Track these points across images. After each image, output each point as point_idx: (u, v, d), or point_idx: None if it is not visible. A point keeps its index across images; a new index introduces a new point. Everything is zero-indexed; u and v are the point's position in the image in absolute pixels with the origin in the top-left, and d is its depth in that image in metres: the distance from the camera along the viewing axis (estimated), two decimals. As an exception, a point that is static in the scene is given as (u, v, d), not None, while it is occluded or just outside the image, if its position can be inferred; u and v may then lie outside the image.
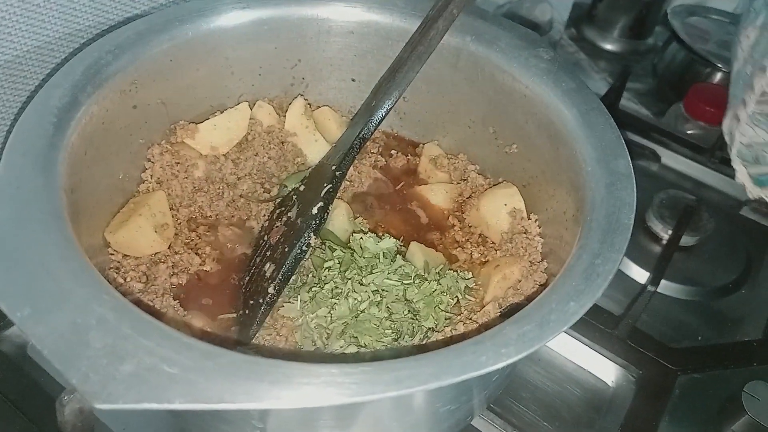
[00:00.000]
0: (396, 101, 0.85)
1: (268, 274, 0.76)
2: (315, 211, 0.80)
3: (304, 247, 0.78)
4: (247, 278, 0.80)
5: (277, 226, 0.82)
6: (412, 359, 0.50)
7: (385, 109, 0.85)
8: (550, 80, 0.81)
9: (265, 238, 0.82)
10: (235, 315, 0.77)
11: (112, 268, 0.77)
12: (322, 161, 0.89)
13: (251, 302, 0.76)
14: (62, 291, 0.50)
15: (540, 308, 0.56)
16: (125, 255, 0.79)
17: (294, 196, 0.85)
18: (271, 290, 0.75)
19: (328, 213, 0.82)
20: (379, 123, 0.86)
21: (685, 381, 0.91)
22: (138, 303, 0.72)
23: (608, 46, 1.69)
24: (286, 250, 0.77)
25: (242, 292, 0.79)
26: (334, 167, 0.84)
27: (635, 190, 0.67)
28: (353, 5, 0.92)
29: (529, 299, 0.75)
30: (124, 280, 0.76)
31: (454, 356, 0.51)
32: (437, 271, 0.80)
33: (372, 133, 0.86)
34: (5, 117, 0.87)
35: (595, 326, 0.94)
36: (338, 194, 0.87)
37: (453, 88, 0.94)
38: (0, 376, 0.81)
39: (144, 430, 0.78)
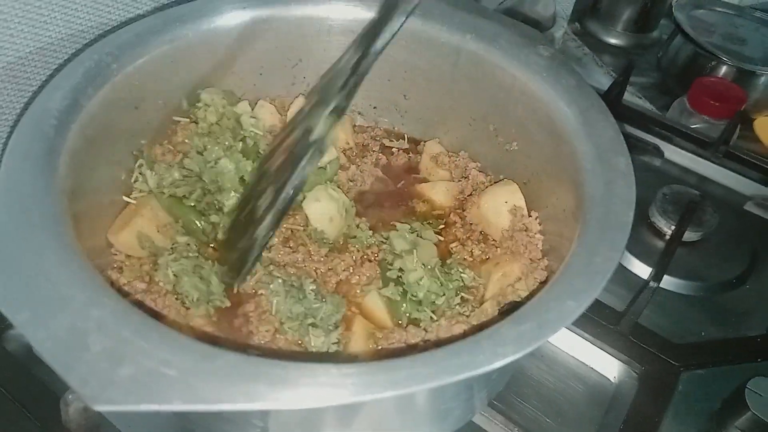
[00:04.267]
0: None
1: (262, 209, 0.70)
2: (314, 137, 0.70)
3: (303, 177, 0.70)
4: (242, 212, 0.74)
5: (277, 154, 0.75)
6: (409, 359, 0.50)
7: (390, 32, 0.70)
8: (550, 77, 0.81)
9: (265, 167, 0.76)
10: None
11: (115, 268, 0.78)
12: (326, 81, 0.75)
13: (242, 241, 0.71)
14: (62, 295, 0.51)
15: (538, 307, 0.56)
16: (128, 255, 0.79)
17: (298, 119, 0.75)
18: (264, 225, 0.69)
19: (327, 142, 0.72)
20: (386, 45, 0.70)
21: (688, 377, 0.90)
22: (140, 303, 0.73)
23: (612, 40, 1.68)
24: (285, 177, 0.69)
25: (234, 226, 0.75)
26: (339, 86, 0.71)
27: (634, 187, 0.67)
28: (353, 4, 0.92)
29: (529, 297, 0.75)
30: (127, 280, 0.76)
31: (451, 356, 0.51)
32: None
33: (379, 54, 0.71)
34: (8, 118, 0.87)
35: (597, 322, 0.93)
36: (344, 189, 0.87)
37: (454, 85, 0.94)
38: (6, 375, 0.81)
39: (149, 428, 0.79)
